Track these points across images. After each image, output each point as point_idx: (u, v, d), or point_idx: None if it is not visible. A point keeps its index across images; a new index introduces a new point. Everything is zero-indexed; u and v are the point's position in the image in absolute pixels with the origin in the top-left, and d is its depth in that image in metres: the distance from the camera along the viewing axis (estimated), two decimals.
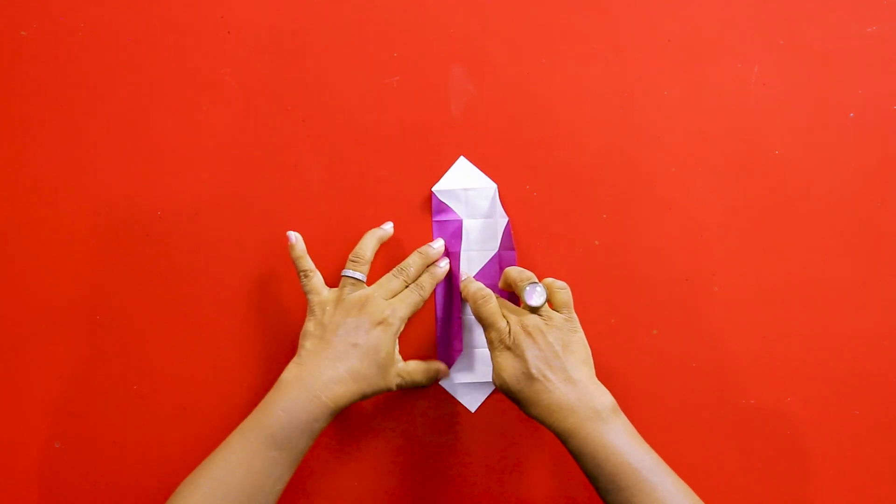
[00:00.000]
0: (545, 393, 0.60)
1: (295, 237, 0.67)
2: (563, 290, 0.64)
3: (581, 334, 0.63)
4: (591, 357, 0.63)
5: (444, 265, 0.70)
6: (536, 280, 0.64)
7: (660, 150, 0.71)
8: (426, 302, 0.69)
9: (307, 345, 0.64)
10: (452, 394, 0.71)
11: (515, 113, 0.71)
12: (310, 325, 0.65)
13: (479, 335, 0.71)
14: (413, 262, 0.68)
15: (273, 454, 0.60)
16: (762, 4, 0.71)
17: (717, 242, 0.71)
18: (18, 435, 0.70)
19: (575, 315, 0.64)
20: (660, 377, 0.70)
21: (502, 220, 0.70)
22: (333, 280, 0.67)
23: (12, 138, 0.71)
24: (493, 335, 0.62)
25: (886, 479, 0.70)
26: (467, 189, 0.71)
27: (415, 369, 0.67)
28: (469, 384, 0.71)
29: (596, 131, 0.71)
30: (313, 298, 0.66)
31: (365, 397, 0.64)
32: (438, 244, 0.70)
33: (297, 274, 0.66)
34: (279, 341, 0.70)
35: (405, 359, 0.68)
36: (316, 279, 0.66)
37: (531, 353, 0.61)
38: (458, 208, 0.71)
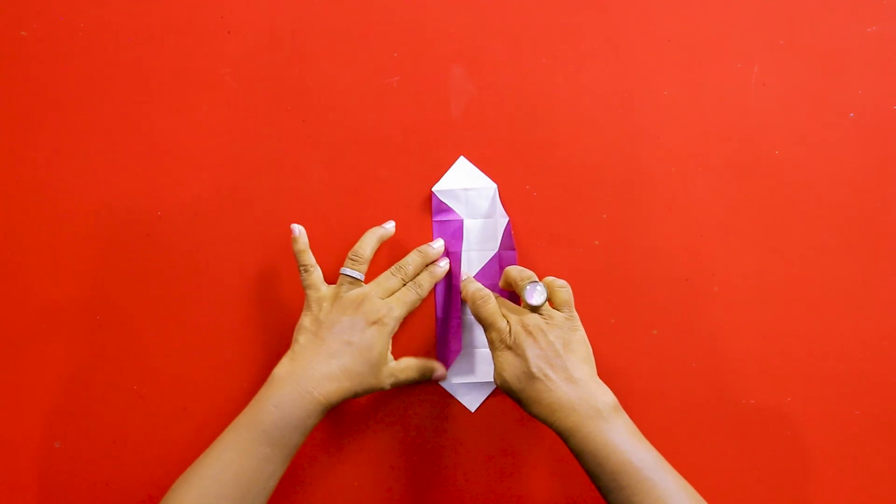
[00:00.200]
0: (546, 392, 0.60)
1: (298, 230, 0.66)
2: (563, 289, 0.64)
3: (582, 333, 0.63)
4: (592, 355, 0.63)
5: (444, 265, 0.70)
6: (537, 279, 0.64)
7: (660, 150, 0.71)
8: (425, 302, 0.69)
9: (301, 339, 0.64)
10: (452, 394, 0.71)
11: (515, 113, 0.71)
12: (305, 321, 0.65)
13: (479, 335, 0.71)
14: (412, 260, 0.68)
15: (266, 450, 0.60)
16: (762, 4, 0.71)
17: (717, 242, 0.71)
18: (18, 435, 0.70)
19: (576, 314, 0.63)
20: (660, 377, 0.70)
21: (502, 220, 0.70)
22: (333, 280, 0.67)
23: (12, 138, 0.71)
24: (494, 335, 0.62)
25: (886, 479, 0.70)
26: (467, 189, 0.71)
27: (406, 366, 0.67)
28: (469, 384, 0.71)
29: (596, 131, 0.71)
30: (311, 294, 0.65)
31: (357, 395, 0.64)
32: (438, 244, 0.70)
33: (298, 268, 0.66)
34: (279, 341, 0.70)
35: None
36: (316, 274, 0.66)
37: (532, 353, 0.61)
38: (459, 208, 0.71)
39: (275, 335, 0.70)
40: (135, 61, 0.71)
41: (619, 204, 0.71)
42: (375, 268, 0.68)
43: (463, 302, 0.69)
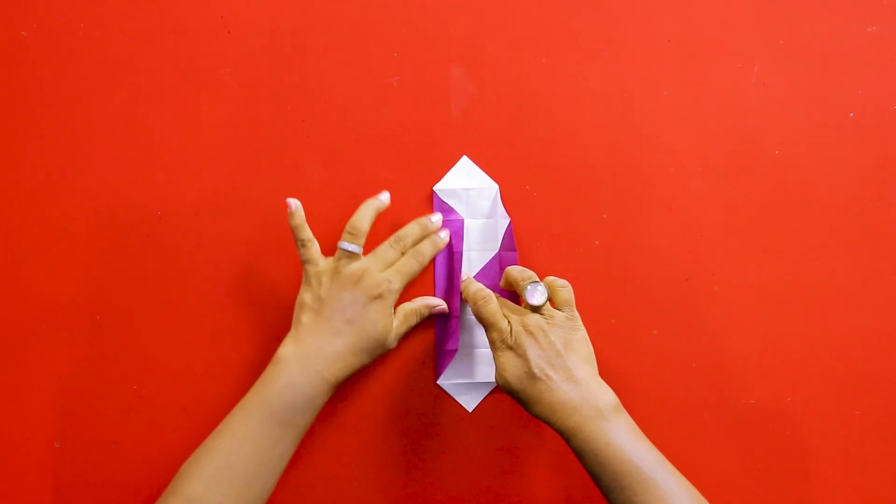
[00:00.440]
0: (547, 392, 0.60)
1: (294, 205, 0.65)
2: (564, 289, 0.64)
3: (583, 332, 0.63)
4: (593, 355, 0.63)
5: (445, 236, 0.69)
6: (537, 279, 0.64)
7: (660, 150, 0.71)
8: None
9: (304, 319, 0.64)
10: (450, 394, 0.71)
11: (515, 113, 0.71)
12: (306, 297, 0.65)
13: (478, 335, 0.71)
14: (411, 231, 0.68)
15: (277, 431, 0.61)
16: (762, 4, 0.71)
17: (717, 242, 0.71)
18: (18, 435, 0.70)
19: (577, 313, 0.63)
20: (660, 377, 0.70)
21: (503, 220, 0.70)
22: None
23: (12, 138, 0.71)
24: (495, 335, 0.62)
25: (886, 479, 0.70)
26: (468, 189, 0.71)
27: (405, 317, 0.67)
28: (467, 384, 0.71)
29: (596, 131, 0.71)
30: (310, 269, 0.65)
31: (364, 366, 0.65)
32: (437, 217, 0.69)
33: (295, 242, 0.65)
34: (279, 341, 0.70)
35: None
36: (314, 249, 0.65)
37: (533, 353, 0.61)
38: (460, 208, 0.71)
39: (275, 334, 0.70)
40: (135, 61, 0.71)
41: (619, 204, 0.71)
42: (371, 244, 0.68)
43: (463, 302, 0.69)
